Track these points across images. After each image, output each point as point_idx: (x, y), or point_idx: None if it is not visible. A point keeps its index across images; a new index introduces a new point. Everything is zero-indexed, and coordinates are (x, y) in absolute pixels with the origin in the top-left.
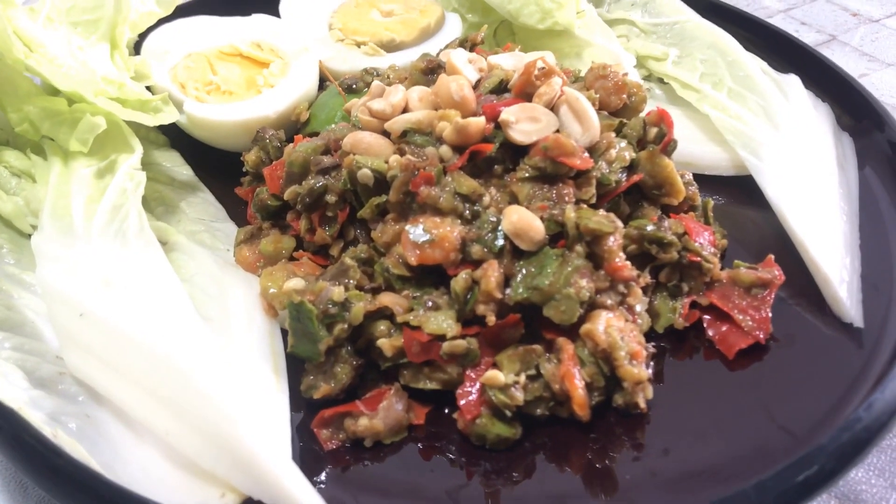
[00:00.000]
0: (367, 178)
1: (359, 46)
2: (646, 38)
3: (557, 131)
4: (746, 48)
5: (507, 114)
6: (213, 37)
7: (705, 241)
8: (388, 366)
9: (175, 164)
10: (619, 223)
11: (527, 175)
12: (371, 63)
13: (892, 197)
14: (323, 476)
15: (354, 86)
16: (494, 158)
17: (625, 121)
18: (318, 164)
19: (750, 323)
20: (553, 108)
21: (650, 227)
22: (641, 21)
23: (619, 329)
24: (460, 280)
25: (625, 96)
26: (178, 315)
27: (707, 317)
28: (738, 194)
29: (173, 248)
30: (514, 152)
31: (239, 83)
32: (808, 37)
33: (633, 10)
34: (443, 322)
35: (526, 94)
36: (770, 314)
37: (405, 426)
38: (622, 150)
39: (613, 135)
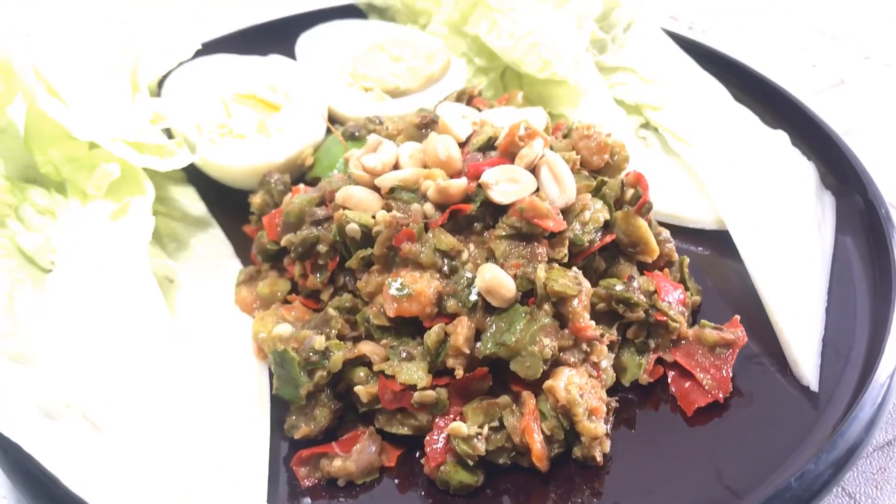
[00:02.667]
0: (355, 233)
1: (367, 92)
2: (645, 86)
3: (537, 191)
4: (739, 99)
5: (488, 175)
6: (231, 78)
7: (674, 301)
8: (364, 410)
9: (190, 200)
10: (586, 285)
11: (504, 234)
12: (377, 109)
13: (865, 260)
14: None
15: (357, 133)
16: (475, 216)
17: (605, 179)
18: (312, 216)
19: (710, 382)
20: (534, 168)
21: (619, 287)
22: (642, 70)
23: (579, 386)
24: (432, 334)
25: (606, 156)
26: (170, 352)
27: (672, 373)
28: (721, 247)
29: (178, 287)
30: (494, 211)
31: (251, 126)
32: (816, 80)
33: (635, 58)
34: (415, 373)
35: (510, 153)
36: (731, 374)
37: (377, 468)
38: (596, 212)
39: (589, 196)
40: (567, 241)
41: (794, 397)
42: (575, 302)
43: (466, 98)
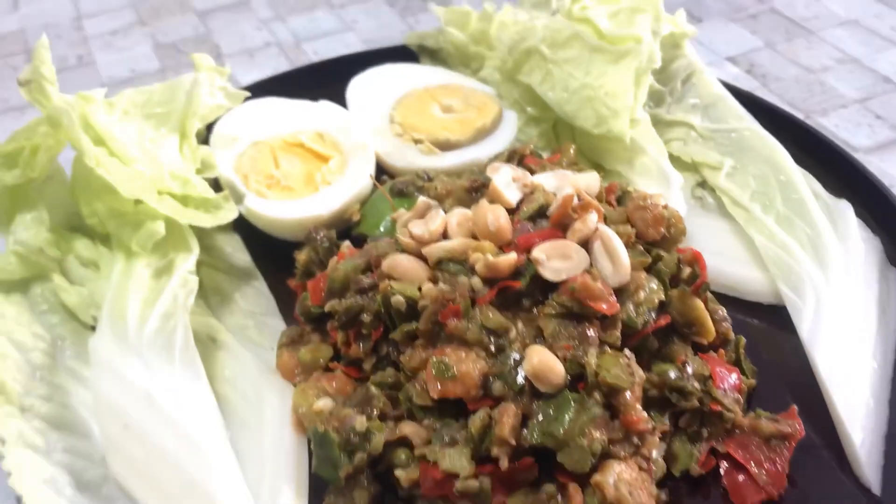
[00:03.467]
0: (400, 305)
1: (416, 143)
2: (703, 143)
3: (589, 268)
4: (801, 160)
5: (539, 251)
6: (279, 123)
7: (729, 387)
8: (405, 494)
9: (235, 250)
10: (639, 373)
11: (554, 312)
12: (427, 162)
13: None
14: None
15: (405, 190)
16: (524, 292)
17: (662, 253)
18: (357, 284)
19: (765, 477)
20: (587, 242)
21: (673, 375)
22: (700, 125)
23: (628, 482)
24: (477, 420)
25: (663, 229)
26: (212, 441)
27: (724, 464)
28: (779, 322)
29: (221, 347)
30: (544, 287)
31: (298, 178)
32: (881, 133)
33: (693, 112)
34: (458, 461)
35: (562, 224)
36: (786, 469)
37: None
38: (652, 293)
39: (644, 274)
40: (620, 323)
41: (854, 497)
42: (627, 394)
43: (518, 158)
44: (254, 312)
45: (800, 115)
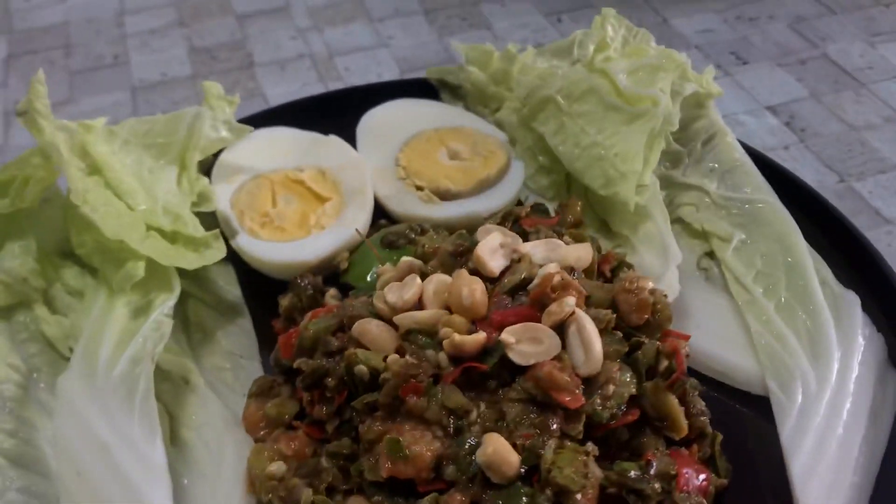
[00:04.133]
0: (363, 374)
1: (418, 189)
2: (716, 210)
3: (561, 354)
4: (814, 241)
5: (509, 333)
6: (284, 156)
7: (694, 489)
8: None
9: (227, 283)
10: (596, 474)
11: (517, 397)
12: (425, 211)
13: None
14: None
15: (396, 241)
16: (490, 373)
17: (643, 340)
18: (325, 345)
19: None
20: (562, 325)
21: (633, 474)
22: (715, 192)
23: None
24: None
25: (647, 315)
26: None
27: None
28: (766, 416)
29: (192, 390)
30: (512, 369)
31: (292, 219)
32: None
33: (710, 177)
34: None
35: (541, 303)
36: None
37: None
38: (622, 387)
39: (617, 365)
40: (584, 417)
41: None
42: (578, 496)
43: (513, 219)
44: (233, 353)
45: (833, 177)
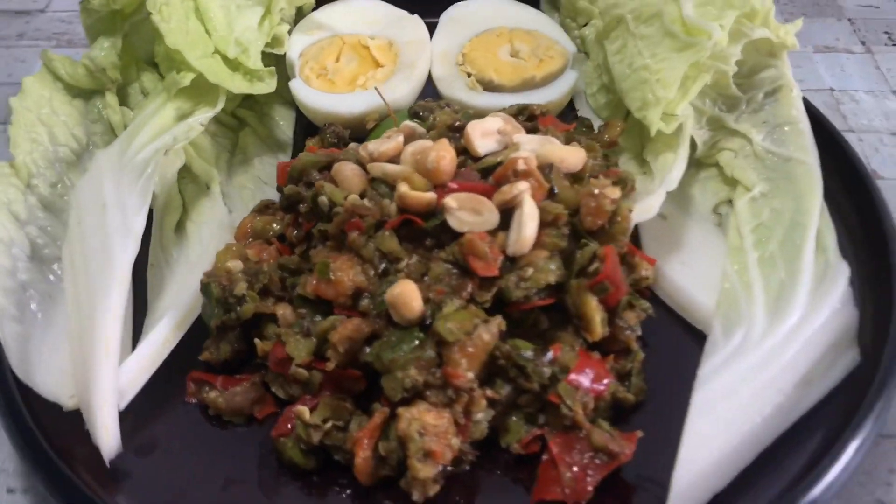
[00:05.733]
0: (324, 205)
1: (468, 76)
2: (753, 160)
3: (497, 230)
4: (840, 212)
5: (452, 199)
6: (366, 25)
7: (585, 389)
8: (259, 361)
9: (284, 123)
10: (484, 338)
11: (444, 258)
12: (465, 96)
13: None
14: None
15: (421, 114)
16: (429, 232)
17: (588, 243)
18: (307, 177)
19: (570, 482)
20: (511, 208)
21: (526, 354)
22: (759, 143)
23: (424, 425)
24: (325, 322)
25: (601, 222)
26: (122, 263)
27: (545, 457)
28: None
29: (209, 195)
30: (452, 235)
31: (344, 77)
32: None
33: (760, 128)
34: (299, 349)
35: (500, 184)
36: (596, 484)
37: (246, 415)
38: (541, 272)
39: (545, 254)
40: (495, 290)
41: None
42: (455, 349)
43: (527, 115)
44: (259, 179)
45: None
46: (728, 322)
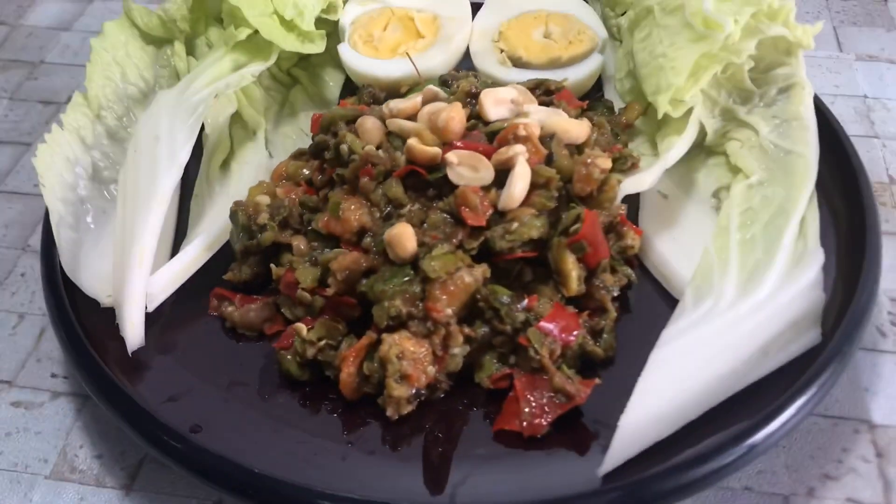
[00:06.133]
0: (344, 153)
1: (500, 53)
2: (757, 151)
3: (491, 186)
4: (832, 203)
5: (454, 155)
6: None
7: (553, 337)
8: (273, 286)
9: (333, 83)
10: (465, 280)
11: (441, 208)
12: (494, 70)
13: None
14: (193, 322)
15: (449, 82)
16: (432, 183)
17: (575, 206)
18: (335, 127)
19: (528, 416)
20: (508, 168)
21: (503, 299)
22: (765, 135)
23: (403, 350)
24: (330, 254)
25: (590, 189)
26: (166, 182)
27: (511, 393)
28: None
29: (254, 140)
30: (452, 187)
31: (387, 45)
32: None
33: (768, 122)
34: (305, 275)
35: (501, 146)
36: (549, 421)
37: (257, 329)
38: (525, 227)
39: (531, 212)
40: (482, 239)
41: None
42: (437, 286)
43: (543, 89)
44: (302, 131)
45: None
46: (699, 292)
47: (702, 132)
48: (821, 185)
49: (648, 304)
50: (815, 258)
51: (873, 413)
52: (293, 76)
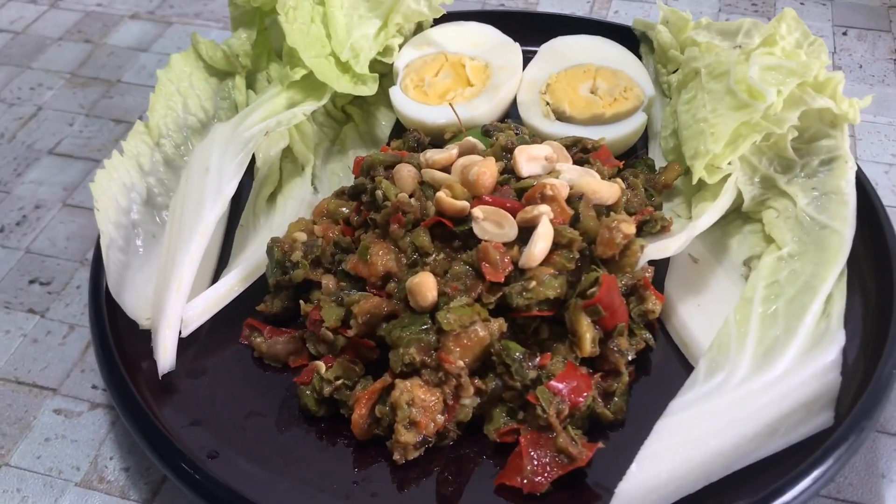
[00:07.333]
0: (379, 198)
1: (546, 105)
2: (793, 223)
3: (514, 243)
4: (863, 283)
5: (480, 210)
6: (470, 46)
7: (563, 397)
8: (301, 321)
9: (385, 122)
10: (479, 335)
11: (465, 260)
12: (537, 123)
13: None
14: (223, 350)
15: (491, 132)
16: (457, 235)
17: (595, 268)
18: (374, 171)
19: (529, 474)
20: (532, 226)
21: (515, 355)
22: (803, 207)
23: (414, 398)
24: (355, 296)
25: (612, 253)
26: (208, 219)
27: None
28: None
29: (300, 175)
30: (476, 241)
31: (437, 90)
32: None
33: (807, 193)
34: (330, 314)
35: (528, 204)
36: (549, 481)
37: (281, 361)
38: (542, 288)
39: (550, 272)
40: (500, 294)
41: None
42: (450, 338)
43: (581, 147)
44: (349, 168)
45: None
46: (713, 364)
47: (739, 197)
48: (854, 261)
49: (666, 367)
50: (836, 340)
51: (888, 501)
52: (347, 113)
